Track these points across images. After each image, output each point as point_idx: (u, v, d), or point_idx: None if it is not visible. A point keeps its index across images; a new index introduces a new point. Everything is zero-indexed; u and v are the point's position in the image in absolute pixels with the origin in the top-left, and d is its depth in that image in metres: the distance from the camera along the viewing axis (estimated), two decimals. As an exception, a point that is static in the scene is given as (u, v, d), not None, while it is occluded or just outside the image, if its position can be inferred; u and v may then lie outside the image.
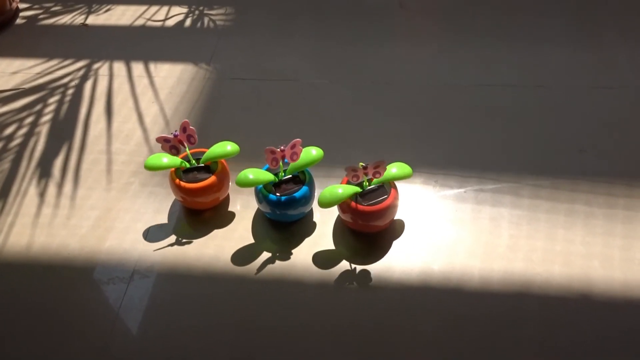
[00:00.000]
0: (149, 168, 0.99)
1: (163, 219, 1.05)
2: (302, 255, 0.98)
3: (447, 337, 0.87)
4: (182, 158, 1.01)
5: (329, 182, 1.00)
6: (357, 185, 0.95)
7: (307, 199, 0.98)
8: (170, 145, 0.99)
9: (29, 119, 1.26)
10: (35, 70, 1.38)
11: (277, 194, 0.96)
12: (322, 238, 1.00)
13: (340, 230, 1.01)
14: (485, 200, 1.04)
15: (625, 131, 1.14)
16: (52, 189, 1.11)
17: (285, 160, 0.96)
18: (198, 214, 1.05)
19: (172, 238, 1.01)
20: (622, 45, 1.33)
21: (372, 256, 0.97)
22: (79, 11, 1.55)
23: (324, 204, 0.92)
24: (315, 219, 1.03)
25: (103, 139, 1.20)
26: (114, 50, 1.42)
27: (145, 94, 1.30)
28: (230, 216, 1.04)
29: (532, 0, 1.48)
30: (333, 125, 1.20)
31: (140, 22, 1.51)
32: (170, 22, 1.50)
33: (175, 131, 0.99)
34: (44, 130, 1.23)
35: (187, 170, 1.01)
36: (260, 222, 1.03)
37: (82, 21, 1.52)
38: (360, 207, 0.94)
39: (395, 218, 1.01)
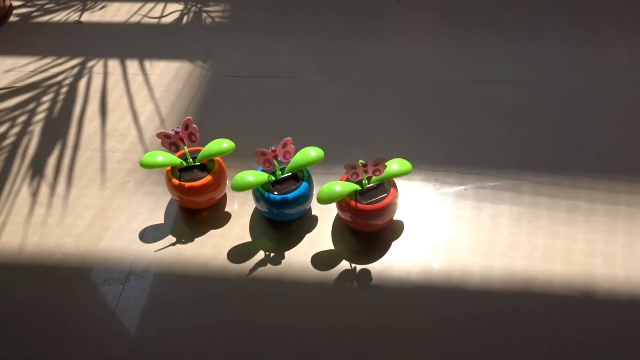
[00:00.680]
0: (145, 166, 0.97)
1: (159, 218, 1.03)
2: (301, 254, 0.97)
3: (448, 336, 0.86)
4: (179, 156, 1.00)
5: (327, 179, 0.99)
6: (356, 183, 0.94)
7: (306, 197, 0.97)
8: (170, 141, 0.98)
9: (22, 118, 1.24)
10: (29, 68, 1.36)
11: (275, 193, 0.95)
12: (320, 237, 0.99)
13: (339, 228, 1.00)
14: (485, 197, 1.03)
15: (626, 126, 1.14)
16: (45, 189, 1.09)
17: (279, 159, 0.94)
18: (195, 213, 1.04)
19: (169, 238, 1.00)
20: (622, 41, 1.32)
21: (372, 255, 0.96)
22: (73, 8, 1.54)
23: (323, 201, 0.91)
24: (313, 217, 1.02)
25: (97, 137, 1.19)
26: (108, 48, 1.41)
27: (141, 92, 1.29)
28: (227, 215, 1.03)
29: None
30: (331, 122, 1.19)
31: (135, 19, 1.49)
32: (166, 19, 1.49)
33: (177, 127, 0.97)
34: (37, 129, 1.22)
35: (183, 169, 1.00)
36: (258, 221, 1.02)
37: (76, 18, 1.50)
38: (360, 205, 0.92)
39: (394, 216, 0.99)
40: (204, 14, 1.49)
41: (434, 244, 0.97)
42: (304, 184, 0.97)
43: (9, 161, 1.15)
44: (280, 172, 0.97)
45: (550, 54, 1.30)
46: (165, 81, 1.31)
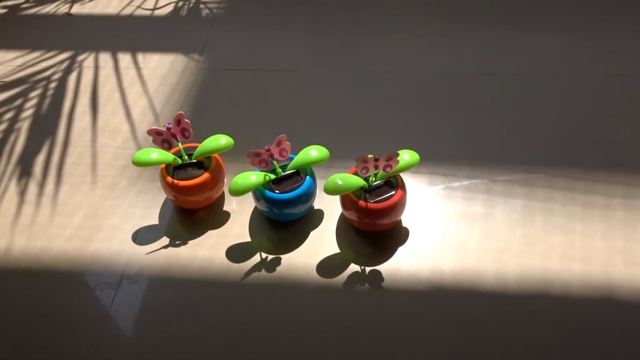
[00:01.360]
0: (138, 164, 0.93)
1: (153, 219, 1.00)
2: (303, 256, 0.93)
3: (460, 341, 0.83)
4: (173, 153, 0.96)
5: (328, 175, 0.94)
6: (363, 179, 0.90)
7: (308, 196, 0.93)
8: (162, 138, 0.94)
9: (9, 114, 1.20)
10: (17, 62, 1.32)
11: (276, 191, 0.91)
12: (324, 237, 0.95)
13: (344, 229, 0.96)
14: (497, 193, 0.99)
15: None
16: (33, 188, 1.05)
17: (275, 157, 0.91)
18: (191, 214, 1.01)
19: (164, 239, 0.97)
20: (633, 32, 1.29)
21: (379, 256, 0.92)
22: (63, 0, 1.49)
23: (330, 191, 0.87)
24: (317, 217, 0.98)
25: (88, 133, 1.15)
26: (99, 41, 1.37)
27: (134, 87, 1.24)
28: (226, 215, 1.00)
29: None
30: (332, 117, 1.15)
31: (128, 10, 1.45)
32: (160, 11, 1.44)
33: (169, 123, 0.92)
34: (24, 125, 1.17)
35: (178, 167, 0.96)
36: (258, 221, 0.98)
37: (66, 10, 1.46)
38: (369, 204, 0.88)
39: (402, 215, 0.95)
40: (201, 5, 1.45)
41: (444, 243, 0.93)
42: (307, 182, 0.92)
43: (-5, 159, 1.11)
44: (280, 170, 0.93)
45: (561, 45, 1.27)
46: (159, 75, 1.26)
